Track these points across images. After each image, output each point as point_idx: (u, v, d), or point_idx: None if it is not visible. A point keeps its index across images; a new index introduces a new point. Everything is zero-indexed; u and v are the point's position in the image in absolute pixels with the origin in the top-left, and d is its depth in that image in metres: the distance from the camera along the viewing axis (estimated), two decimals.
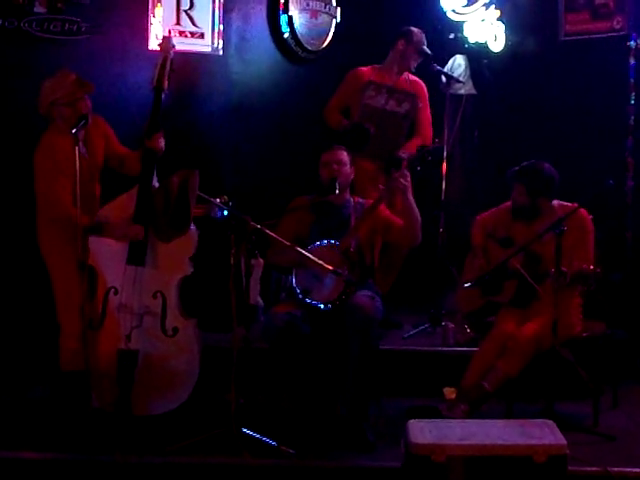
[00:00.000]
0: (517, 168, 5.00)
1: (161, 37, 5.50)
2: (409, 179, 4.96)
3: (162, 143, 4.82)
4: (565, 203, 4.97)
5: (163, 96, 4.84)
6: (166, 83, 4.85)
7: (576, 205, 4.83)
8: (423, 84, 6.19)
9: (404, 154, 5.87)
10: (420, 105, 6.07)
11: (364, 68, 6.16)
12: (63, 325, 4.72)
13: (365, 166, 5.88)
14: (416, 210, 4.98)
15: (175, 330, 4.73)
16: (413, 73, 6.16)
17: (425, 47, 6.10)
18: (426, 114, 6.16)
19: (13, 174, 5.47)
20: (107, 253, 4.72)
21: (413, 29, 6.11)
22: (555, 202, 5.00)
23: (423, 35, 6.13)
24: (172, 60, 4.89)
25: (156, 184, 4.79)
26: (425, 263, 6.24)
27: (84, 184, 4.62)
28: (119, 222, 4.68)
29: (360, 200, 5.16)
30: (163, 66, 4.86)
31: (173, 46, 4.97)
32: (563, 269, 4.58)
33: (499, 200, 5.23)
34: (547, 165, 4.98)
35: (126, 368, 4.63)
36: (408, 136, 6.10)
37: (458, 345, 5.69)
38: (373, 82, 6.02)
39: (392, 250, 5.72)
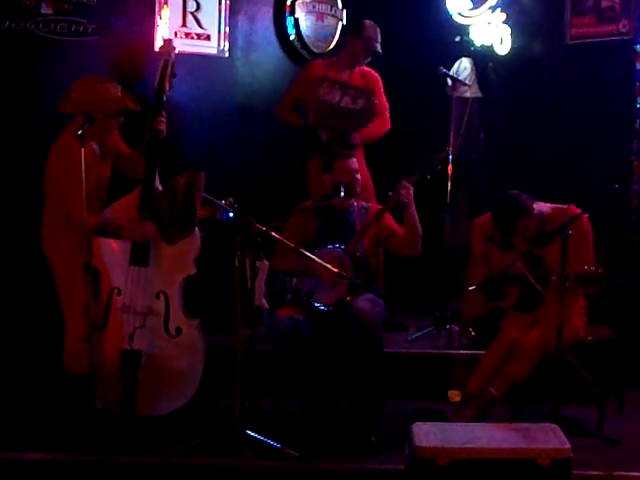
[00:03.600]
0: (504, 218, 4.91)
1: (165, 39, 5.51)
2: (412, 192, 4.93)
3: (163, 125, 4.82)
4: (558, 205, 4.95)
5: (164, 98, 4.85)
6: (167, 86, 4.86)
7: (571, 207, 4.84)
8: (376, 74, 6.08)
9: (355, 138, 5.83)
10: (375, 100, 5.96)
11: (318, 61, 6.14)
12: (68, 327, 4.72)
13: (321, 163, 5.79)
14: (418, 223, 4.97)
15: (178, 330, 4.74)
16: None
17: (377, 44, 5.95)
18: (382, 102, 6.05)
19: (19, 175, 5.48)
20: (110, 254, 4.72)
21: (366, 22, 5.97)
22: (545, 205, 4.96)
23: (376, 29, 5.97)
24: (173, 63, 4.90)
25: (159, 186, 4.79)
26: (430, 266, 6.24)
27: (96, 186, 4.64)
28: (127, 222, 4.68)
29: (364, 204, 5.16)
30: (164, 69, 4.87)
31: (174, 49, 4.98)
32: (565, 273, 4.58)
33: None
34: (506, 197, 4.90)
35: (129, 368, 4.64)
36: None
37: (462, 348, 5.69)
38: (327, 78, 5.91)
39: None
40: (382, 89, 6.09)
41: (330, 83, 5.89)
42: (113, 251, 4.71)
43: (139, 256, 4.71)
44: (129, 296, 4.70)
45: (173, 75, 4.89)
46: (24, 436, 4.68)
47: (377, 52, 5.97)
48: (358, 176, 5.07)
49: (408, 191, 4.90)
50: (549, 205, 4.95)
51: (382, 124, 6.03)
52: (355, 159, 5.12)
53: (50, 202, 4.71)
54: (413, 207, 4.96)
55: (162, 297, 4.72)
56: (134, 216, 4.68)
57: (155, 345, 4.71)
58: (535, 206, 4.87)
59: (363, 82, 6.02)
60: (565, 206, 4.92)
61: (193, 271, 4.81)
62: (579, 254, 4.75)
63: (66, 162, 4.55)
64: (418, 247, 4.99)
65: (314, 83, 5.90)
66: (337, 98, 5.88)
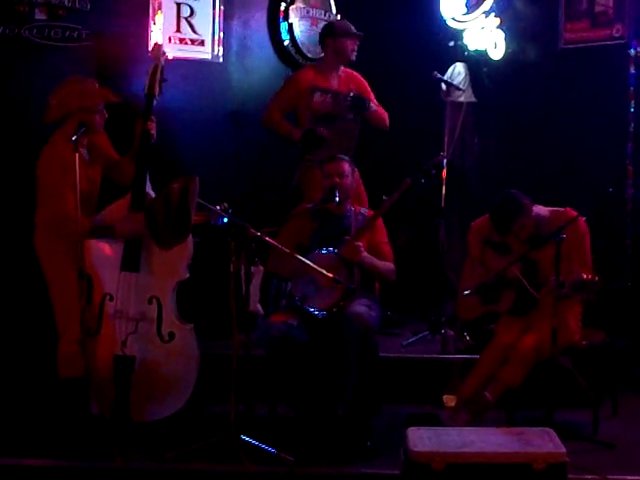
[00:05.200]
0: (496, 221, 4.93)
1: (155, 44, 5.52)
2: (361, 247, 4.91)
3: (153, 129, 4.83)
4: (556, 209, 4.96)
5: (155, 102, 4.86)
6: (157, 90, 4.87)
7: (567, 209, 4.84)
8: (360, 77, 6.12)
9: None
10: (370, 104, 5.98)
11: (307, 69, 6.14)
12: (61, 330, 4.71)
13: (318, 174, 5.79)
14: (381, 269, 5.00)
15: (171, 335, 4.73)
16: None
17: (352, 28, 6.01)
18: (374, 100, 6.08)
19: (13, 180, 5.47)
20: (102, 260, 4.72)
21: (334, 22, 6.19)
22: (544, 209, 4.97)
23: (345, 21, 6.14)
24: (163, 67, 4.91)
25: (151, 192, 4.79)
26: (425, 270, 6.24)
27: (87, 191, 4.64)
28: (118, 221, 4.67)
29: (362, 210, 5.18)
30: (154, 73, 4.88)
31: (164, 53, 4.99)
32: (561, 279, 4.58)
33: None
34: (505, 194, 4.92)
35: (122, 374, 4.64)
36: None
37: (458, 352, 5.69)
38: (318, 87, 5.92)
39: None
40: (369, 90, 6.12)
41: (322, 92, 5.92)
42: (105, 257, 4.71)
43: (130, 262, 4.71)
44: (121, 302, 4.70)
45: (163, 79, 4.90)
46: (20, 442, 4.67)
47: (357, 34, 5.99)
48: (343, 180, 5.06)
49: (353, 249, 4.89)
50: (547, 208, 4.96)
51: (385, 117, 6.06)
52: (343, 163, 5.11)
53: (43, 206, 4.70)
54: (366, 260, 4.93)
55: (154, 302, 4.72)
56: (125, 214, 4.69)
57: (148, 350, 4.71)
58: (534, 209, 4.88)
59: (351, 85, 6.03)
60: (562, 209, 4.93)
61: (185, 276, 4.81)
62: (576, 257, 4.76)
63: (58, 167, 4.56)
64: (389, 281, 5.07)
65: (305, 93, 5.92)
66: (330, 107, 5.91)
